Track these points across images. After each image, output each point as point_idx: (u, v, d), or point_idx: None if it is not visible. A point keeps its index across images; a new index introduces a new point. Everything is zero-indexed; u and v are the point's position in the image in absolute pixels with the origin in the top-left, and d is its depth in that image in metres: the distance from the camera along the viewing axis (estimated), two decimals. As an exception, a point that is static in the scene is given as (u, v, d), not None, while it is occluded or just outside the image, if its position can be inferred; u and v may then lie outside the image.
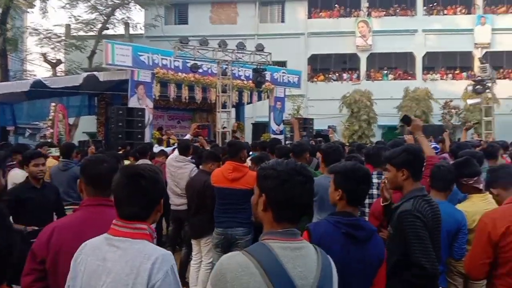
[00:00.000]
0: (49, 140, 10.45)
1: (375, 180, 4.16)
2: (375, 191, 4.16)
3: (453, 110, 23.10)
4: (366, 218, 3.89)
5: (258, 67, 13.44)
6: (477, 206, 3.39)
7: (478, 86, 17.09)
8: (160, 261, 1.68)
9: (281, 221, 1.61)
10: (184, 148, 6.29)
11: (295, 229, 1.63)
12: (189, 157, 6.24)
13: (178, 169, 6.12)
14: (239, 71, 15.84)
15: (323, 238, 2.19)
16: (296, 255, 1.56)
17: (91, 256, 1.76)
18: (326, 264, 1.63)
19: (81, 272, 1.76)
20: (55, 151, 3.84)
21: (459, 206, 3.53)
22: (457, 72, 26.75)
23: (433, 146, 5.84)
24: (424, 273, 2.47)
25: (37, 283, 2.02)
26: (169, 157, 6.63)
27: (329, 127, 14.97)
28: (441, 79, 26.47)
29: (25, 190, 4.21)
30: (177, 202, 6.16)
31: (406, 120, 4.31)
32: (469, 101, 19.10)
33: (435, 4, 26.92)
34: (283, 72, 18.47)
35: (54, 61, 22.49)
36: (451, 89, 24.25)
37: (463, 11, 26.77)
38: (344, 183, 2.36)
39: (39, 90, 13.55)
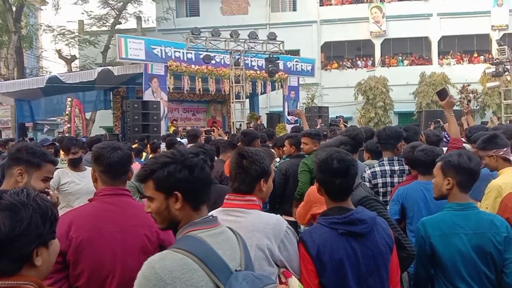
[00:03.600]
0: (66, 135, 10.56)
1: (396, 167, 3.91)
2: (396, 179, 3.86)
3: (471, 95, 22.69)
4: (388, 207, 3.65)
5: (271, 56, 13.37)
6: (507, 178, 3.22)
7: (497, 69, 16.75)
8: (281, 224, 1.99)
9: (197, 207, 1.58)
10: (193, 137, 6.39)
11: (211, 215, 1.62)
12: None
13: None
14: (251, 61, 15.79)
15: (322, 246, 1.96)
16: (222, 239, 1.55)
17: None
18: (244, 243, 1.63)
19: None
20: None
21: (493, 182, 3.30)
22: (474, 55, 26.21)
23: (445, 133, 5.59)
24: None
25: (55, 274, 2.00)
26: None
27: (337, 117, 14.81)
28: (458, 63, 25.98)
29: None
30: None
31: (442, 93, 4.07)
32: (488, 85, 18.73)
33: (450, -14, 26.32)
34: (296, 61, 18.34)
35: (68, 57, 22.71)
36: (468, 73, 23.76)
37: (479, -8, 26.13)
38: (318, 175, 2.11)
39: (55, 86, 13.72)
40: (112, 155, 2.18)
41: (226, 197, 2.07)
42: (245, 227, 1.92)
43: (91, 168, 2.29)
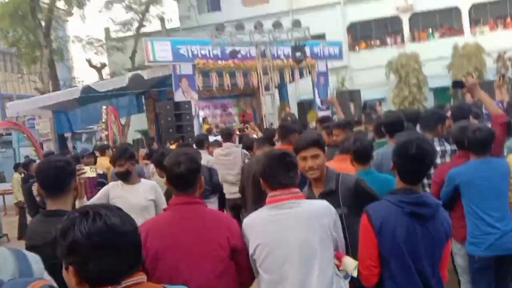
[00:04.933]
0: (105, 143, 10.85)
1: (437, 148, 3.89)
2: (438, 161, 3.86)
3: (508, 62, 21.67)
4: (427, 190, 3.74)
5: (297, 43, 13.20)
6: None
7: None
8: (331, 207, 2.26)
9: None
10: (228, 135, 6.42)
11: None
12: (235, 143, 6.36)
13: (228, 156, 6.21)
14: (277, 50, 15.61)
15: (386, 221, 2.08)
16: None
17: (262, 226, 2.20)
18: (23, 255, 1.66)
19: (259, 239, 2.18)
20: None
21: None
22: (508, 20, 24.98)
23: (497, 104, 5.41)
24: None
25: None
26: (216, 150, 6.70)
27: (366, 104, 14.46)
28: (491, 30, 24.84)
29: None
30: (232, 190, 6.25)
31: (458, 84, 4.07)
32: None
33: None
34: (323, 45, 18.04)
35: (98, 65, 23.25)
36: (504, 40, 22.65)
37: (510, -47, 24.86)
38: (395, 158, 2.22)
39: (89, 95, 14.08)
40: (172, 170, 2.25)
41: (270, 194, 2.24)
42: (306, 211, 2.19)
43: (146, 179, 2.44)
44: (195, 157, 2.34)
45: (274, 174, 2.22)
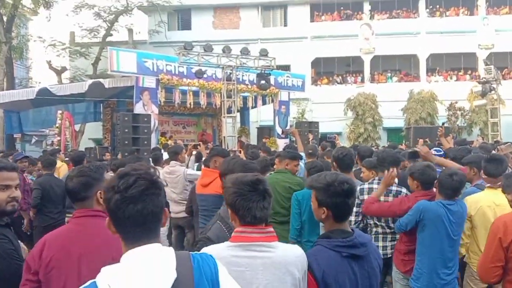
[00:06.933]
0: (56, 147, 10.45)
1: (394, 188, 4.11)
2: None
3: (458, 112, 23.02)
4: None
5: (263, 71, 13.46)
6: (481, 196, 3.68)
7: (483, 88, 17.06)
8: (304, 256, 2.01)
9: None
10: (173, 153, 6.42)
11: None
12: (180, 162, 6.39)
13: (171, 174, 6.23)
14: (243, 75, 15.84)
15: (327, 269, 2.02)
16: None
17: (226, 265, 1.74)
18: None
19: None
20: None
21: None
22: (461, 73, 26.68)
23: (435, 149, 5.73)
24: None
25: None
26: (164, 167, 6.69)
27: (327, 137, 14.92)
28: (445, 80, 26.40)
29: None
30: (176, 209, 6.21)
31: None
32: (475, 103, 19.05)
33: (437, 6, 26.91)
34: (287, 76, 18.46)
35: (59, 68, 22.59)
36: (456, 90, 24.13)
37: (466, 12, 26.74)
38: (327, 200, 2.12)
39: (45, 98, 13.62)
40: (66, 183, 2.32)
41: (239, 230, 1.93)
42: (278, 262, 1.89)
43: None
44: (87, 171, 2.30)
45: (247, 205, 1.90)
